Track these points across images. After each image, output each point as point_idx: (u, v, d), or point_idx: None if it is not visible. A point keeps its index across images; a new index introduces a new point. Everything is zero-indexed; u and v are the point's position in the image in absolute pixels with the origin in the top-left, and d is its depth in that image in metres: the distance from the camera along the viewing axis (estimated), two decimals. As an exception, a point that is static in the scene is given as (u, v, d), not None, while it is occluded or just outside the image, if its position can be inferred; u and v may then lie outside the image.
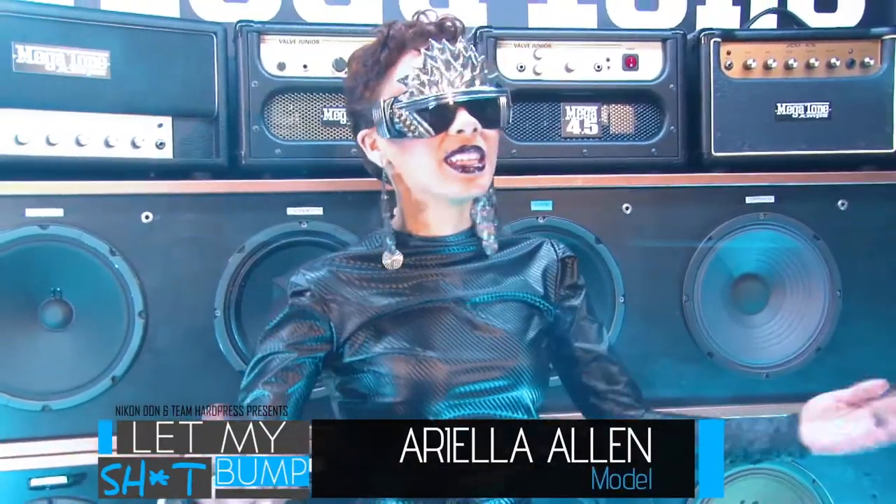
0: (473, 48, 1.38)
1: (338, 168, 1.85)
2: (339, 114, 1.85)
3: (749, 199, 1.95)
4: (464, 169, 1.37)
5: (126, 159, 1.77)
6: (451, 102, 1.34)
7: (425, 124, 1.35)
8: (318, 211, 1.82)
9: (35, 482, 1.71)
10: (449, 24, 1.40)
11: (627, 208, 1.93)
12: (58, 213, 1.72)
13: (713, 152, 1.94)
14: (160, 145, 1.78)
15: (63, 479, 1.72)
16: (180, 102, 1.79)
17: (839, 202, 1.98)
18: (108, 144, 1.75)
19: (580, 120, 1.96)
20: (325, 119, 1.87)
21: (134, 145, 1.76)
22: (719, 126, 1.93)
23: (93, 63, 1.70)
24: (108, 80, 1.72)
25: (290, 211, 1.82)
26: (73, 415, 1.73)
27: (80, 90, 1.70)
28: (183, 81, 1.78)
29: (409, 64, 1.37)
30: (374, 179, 1.62)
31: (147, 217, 1.76)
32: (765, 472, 1.97)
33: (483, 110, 1.36)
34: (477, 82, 1.35)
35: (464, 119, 1.34)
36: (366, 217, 1.75)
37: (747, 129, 1.95)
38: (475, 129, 1.34)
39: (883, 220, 2.00)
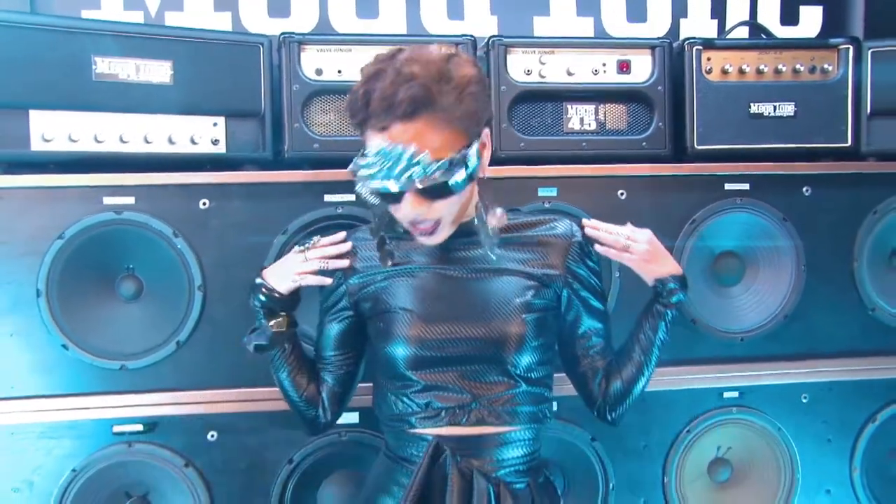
0: (428, 128, 1.37)
1: (367, 159, 2.00)
2: (368, 113, 2.01)
3: (727, 186, 2.07)
4: (422, 233, 1.49)
5: (186, 154, 1.90)
6: (395, 191, 1.41)
7: (379, 202, 1.46)
8: (351, 197, 1.91)
9: (117, 428, 1.88)
10: (406, 103, 1.35)
11: (622, 194, 2.04)
12: (130, 200, 1.87)
13: (696, 145, 2.05)
14: (215, 142, 1.92)
15: (139, 427, 1.89)
16: (232, 104, 1.91)
17: (804, 188, 2.11)
18: (171, 141, 1.89)
19: (580, 117, 2.06)
20: (356, 118, 2.02)
21: (193, 142, 1.90)
22: (701, 122, 2.04)
23: (158, 71, 1.85)
24: (172, 86, 1.85)
25: (327, 198, 1.93)
26: (145, 373, 1.90)
27: (148, 95, 1.84)
28: (234, 86, 1.90)
29: (372, 139, 1.41)
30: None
31: (204, 203, 1.90)
32: (738, 422, 2.11)
33: (430, 191, 1.40)
34: (419, 174, 1.37)
35: (405, 210, 1.43)
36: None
37: (725, 125, 2.05)
38: (418, 214, 1.43)
39: (841, 204, 2.13)
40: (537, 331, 1.51)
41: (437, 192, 1.41)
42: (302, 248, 1.61)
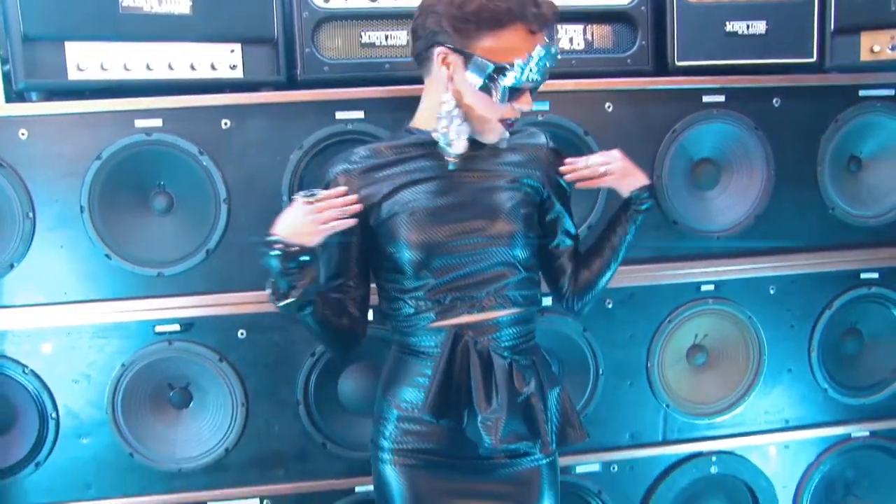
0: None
1: (374, 80, 2.04)
2: (374, 37, 2.06)
3: (705, 99, 2.18)
4: (508, 126, 1.64)
5: (207, 79, 1.99)
6: (539, 86, 1.59)
7: (507, 96, 1.56)
8: (360, 114, 2.02)
9: (158, 328, 2.06)
10: (556, 13, 1.58)
11: (609, 106, 2.15)
12: (158, 123, 1.98)
13: (676, 62, 2.15)
14: (233, 67, 2.00)
15: (177, 327, 2.07)
16: (248, 32, 1.99)
17: (774, 100, 2.24)
18: (192, 68, 1.98)
19: (569, 37, 2.15)
20: (362, 42, 2.06)
21: (213, 67, 1.99)
22: (681, 40, 2.13)
23: (179, 3, 1.94)
24: (192, 16, 1.94)
25: (338, 115, 2.03)
26: (179, 279, 2.06)
27: (170, 25, 1.93)
28: (249, 14, 1.97)
29: (517, 38, 1.53)
30: (404, 87, 1.92)
31: (226, 124, 2.01)
32: (713, 312, 2.28)
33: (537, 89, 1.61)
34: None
35: (527, 100, 1.59)
36: (398, 118, 1.89)
37: (703, 42, 2.15)
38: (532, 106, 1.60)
39: (807, 114, 2.26)
40: (527, 227, 1.67)
41: (536, 90, 1.62)
42: (308, 198, 1.56)
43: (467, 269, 1.63)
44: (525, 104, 1.60)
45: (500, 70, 1.54)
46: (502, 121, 1.62)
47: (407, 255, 1.62)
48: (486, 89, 1.57)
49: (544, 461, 1.72)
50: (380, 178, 1.65)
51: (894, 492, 2.50)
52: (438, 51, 1.58)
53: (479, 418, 1.59)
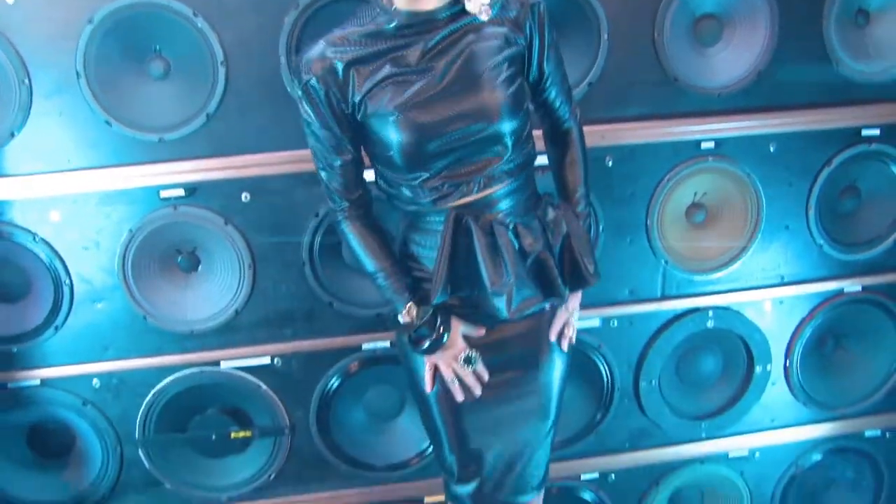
0: None
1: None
2: None
3: None
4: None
5: None
6: None
7: None
8: None
9: (163, 194, 2.09)
10: None
11: None
12: None
13: None
14: None
15: (181, 192, 2.10)
16: None
17: None
18: None
19: None
20: None
21: None
22: None
23: None
24: None
25: None
26: (181, 144, 2.07)
27: None
28: None
29: None
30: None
31: None
32: (713, 169, 2.29)
33: None
34: None
35: None
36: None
37: None
38: None
39: None
40: (515, 98, 1.62)
41: None
42: (468, 364, 1.73)
43: (458, 153, 1.61)
44: None
45: None
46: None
47: (398, 151, 1.59)
48: None
49: (549, 306, 1.79)
50: (361, 73, 1.58)
51: (881, 343, 2.59)
52: None
53: (491, 291, 1.65)
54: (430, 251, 1.70)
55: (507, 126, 1.60)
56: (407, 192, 1.67)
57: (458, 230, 1.64)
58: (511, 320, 1.72)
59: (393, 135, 1.58)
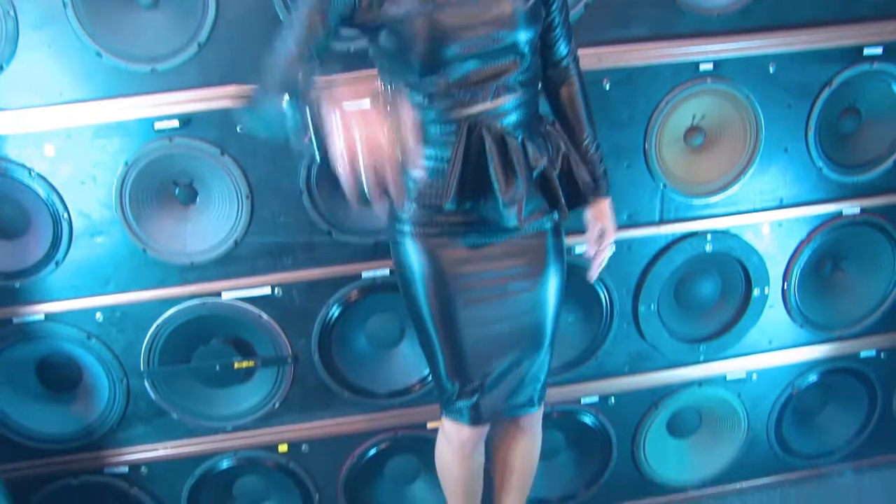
0: None
1: None
2: None
3: None
4: None
5: None
6: None
7: None
8: None
9: (158, 125, 2.08)
10: None
11: None
12: None
13: None
14: None
15: (176, 123, 2.08)
16: None
17: None
18: None
19: None
20: None
21: None
22: None
23: None
24: None
25: None
26: (174, 74, 2.05)
27: None
28: None
29: None
30: None
31: None
32: (711, 91, 2.26)
33: None
34: None
35: None
36: None
37: None
38: None
39: None
40: (534, 10, 1.67)
41: None
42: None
43: (475, 61, 1.63)
44: None
45: None
46: None
47: (416, 52, 1.61)
48: None
49: (549, 224, 1.84)
50: None
51: (878, 264, 2.60)
52: None
53: (501, 201, 1.67)
54: (430, 163, 1.71)
55: (524, 35, 1.64)
56: (418, 98, 1.66)
57: (470, 137, 1.66)
58: (518, 232, 1.76)
59: (415, 32, 1.58)
